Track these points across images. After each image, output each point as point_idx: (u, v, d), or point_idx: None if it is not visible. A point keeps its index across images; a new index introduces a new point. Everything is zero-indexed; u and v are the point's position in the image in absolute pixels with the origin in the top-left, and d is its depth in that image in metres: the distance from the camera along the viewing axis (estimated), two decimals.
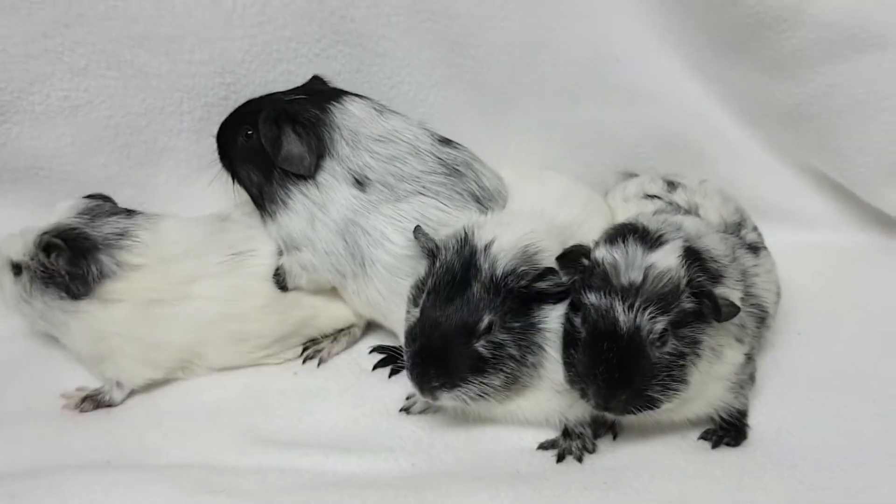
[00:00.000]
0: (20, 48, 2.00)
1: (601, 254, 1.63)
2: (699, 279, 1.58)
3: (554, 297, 1.69)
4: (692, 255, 1.62)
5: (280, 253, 1.98)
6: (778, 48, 2.14)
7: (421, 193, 1.87)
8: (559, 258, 1.69)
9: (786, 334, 2.07)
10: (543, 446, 1.77)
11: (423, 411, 1.87)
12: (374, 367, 2.02)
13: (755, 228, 2.06)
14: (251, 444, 1.73)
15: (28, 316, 1.90)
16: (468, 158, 1.95)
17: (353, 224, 1.87)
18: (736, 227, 2.00)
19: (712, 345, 1.63)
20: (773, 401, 1.86)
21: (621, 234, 1.66)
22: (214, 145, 2.02)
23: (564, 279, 1.67)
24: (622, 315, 1.55)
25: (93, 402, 1.90)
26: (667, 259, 1.59)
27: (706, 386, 1.67)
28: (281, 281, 1.99)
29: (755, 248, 1.96)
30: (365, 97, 1.96)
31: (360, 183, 1.86)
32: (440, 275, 1.69)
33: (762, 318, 1.85)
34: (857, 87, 2.14)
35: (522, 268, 1.66)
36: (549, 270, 1.66)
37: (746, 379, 1.78)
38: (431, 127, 1.99)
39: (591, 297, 1.59)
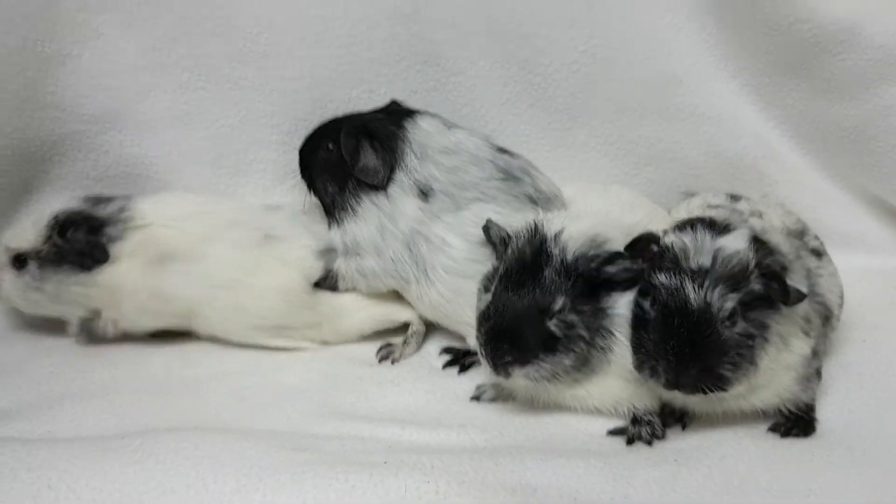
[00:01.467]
0: (132, 60, 2.22)
1: (670, 239, 1.71)
2: (767, 261, 1.65)
3: (622, 285, 1.77)
4: (759, 243, 1.70)
5: (323, 256, 2.11)
6: (834, 70, 2.25)
7: (480, 200, 1.99)
8: (628, 246, 1.77)
9: (851, 342, 2.11)
10: (613, 432, 1.82)
11: (493, 399, 1.94)
12: (445, 367, 2.11)
13: (817, 237, 2.13)
14: (330, 417, 1.81)
15: (35, 303, 2.09)
16: (524, 164, 2.07)
17: (417, 234, 2.01)
18: (798, 234, 2.07)
19: (780, 332, 1.68)
20: (839, 398, 1.89)
21: (690, 223, 1.74)
22: (297, 158, 2.20)
23: (633, 266, 1.76)
24: (692, 293, 1.62)
25: (86, 331, 2.11)
26: (736, 243, 1.67)
27: (775, 374, 1.71)
28: (332, 283, 2.13)
29: (818, 253, 2.03)
30: (435, 114, 2.12)
31: (424, 194, 2.00)
32: (512, 261, 1.78)
33: (827, 317, 1.90)
34: None
35: (592, 252, 1.76)
36: (618, 254, 1.74)
37: (813, 373, 1.82)
38: (493, 139, 2.13)
39: (661, 278, 1.66)
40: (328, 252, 2.11)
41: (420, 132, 2.04)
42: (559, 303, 1.72)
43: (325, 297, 2.12)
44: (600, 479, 1.58)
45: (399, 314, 2.17)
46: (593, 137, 2.40)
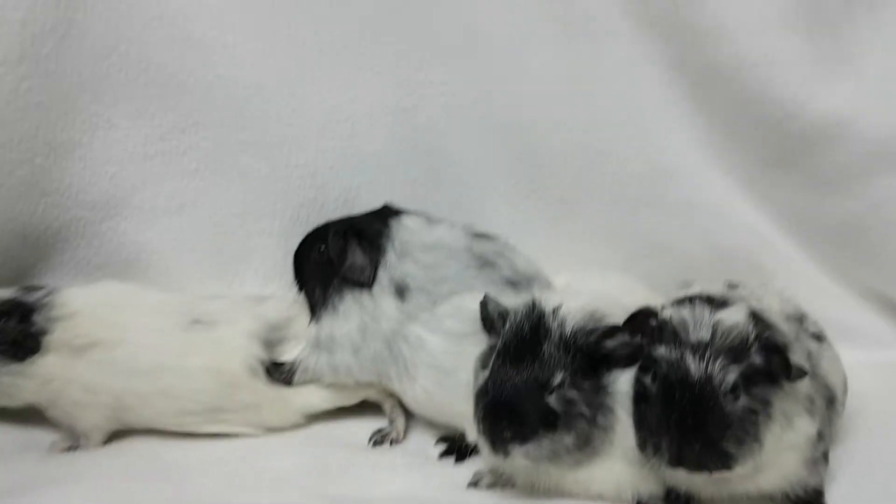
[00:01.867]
0: (139, 148, 2.28)
1: (669, 313, 1.70)
2: (767, 334, 1.64)
3: (623, 361, 1.74)
4: (758, 317, 1.69)
5: (263, 339, 2.10)
6: (826, 164, 2.31)
7: (455, 292, 2.01)
8: (626, 321, 1.76)
9: (858, 432, 2.06)
10: None
11: (492, 485, 1.87)
12: (441, 457, 2.05)
13: (816, 324, 2.11)
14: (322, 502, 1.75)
15: None
16: (500, 248, 2.10)
17: (397, 333, 2.03)
18: (797, 318, 2.05)
19: (783, 409, 1.64)
20: (849, 486, 1.83)
21: (687, 299, 1.75)
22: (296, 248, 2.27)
23: (633, 340, 1.74)
24: (693, 365, 1.60)
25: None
26: (734, 316, 1.66)
27: (779, 455, 1.66)
28: (287, 376, 2.11)
29: (818, 337, 2.01)
30: (420, 213, 2.17)
31: (400, 292, 2.03)
32: (509, 336, 1.76)
33: (831, 400, 1.87)
34: None
35: (591, 325, 1.74)
36: (617, 328, 1.73)
37: (820, 457, 1.77)
38: (475, 226, 2.16)
39: (661, 351, 1.65)
40: (270, 333, 2.12)
41: (403, 230, 2.09)
42: (558, 377, 1.69)
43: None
44: None
45: (355, 392, 2.14)
46: (590, 227, 2.44)
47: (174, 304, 2.13)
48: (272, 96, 2.31)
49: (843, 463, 1.90)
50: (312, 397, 2.10)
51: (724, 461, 1.56)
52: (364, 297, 2.05)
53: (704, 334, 1.63)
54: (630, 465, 1.75)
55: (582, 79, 2.37)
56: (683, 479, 1.71)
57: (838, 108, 2.25)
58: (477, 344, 1.90)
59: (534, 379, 1.69)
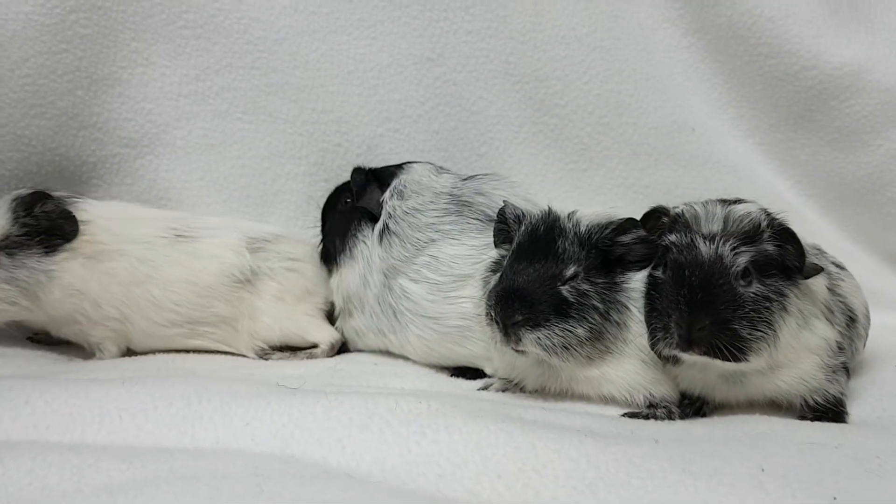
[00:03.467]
0: (175, 87, 2.37)
1: (682, 209, 1.71)
2: (780, 220, 1.64)
3: (638, 261, 1.75)
4: (772, 214, 1.70)
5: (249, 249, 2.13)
6: (842, 117, 2.34)
7: (433, 240, 2.02)
8: (641, 219, 1.77)
9: (883, 367, 2.02)
10: (628, 415, 1.71)
11: (502, 390, 1.85)
12: (452, 375, 2.04)
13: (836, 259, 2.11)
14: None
15: (6, 300, 2.01)
16: (481, 185, 2.09)
17: (384, 287, 2.06)
18: (817, 249, 2.05)
19: (800, 307, 1.63)
20: (871, 403, 1.79)
21: (701, 201, 1.76)
22: (321, 192, 2.37)
23: (649, 237, 1.74)
24: (703, 246, 1.60)
25: None
26: (747, 207, 1.67)
27: (797, 355, 1.64)
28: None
29: (838, 266, 2.00)
30: (432, 163, 2.20)
31: (380, 235, 2.07)
32: (524, 236, 1.78)
33: (852, 319, 1.85)
34: None
35: (605, 221, 1.75)
36: (632, 221, 1.74)
37: (840, 367, 1.73)
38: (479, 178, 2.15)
39: (672, 237, 1.66)
40: (252, 245, 2.15)
41: (410, 173, 2.14)
42: (571, 270, 1.70)
43: (244, 293, 2.12)
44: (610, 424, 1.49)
45: (309, 334, 2.18)
46: (609, 180, 2.47)
47: (168, 219, 2.17)
48: (302, 41, 2.40)
49: (867, 387, 1.87)
50: (273, 323, 2.13)
51: (737, 343, 1.54)
52: (367, 243, 2.10)
53: (716, 226, 1.64)
54: (644, 366, 1.74)
55: (602, 36, 2.45)
56: (697, 378, 1.70)
57: (853, 59, 2.30)
58: (456, 290, 1.95)
59: (547, 270, 1.70)
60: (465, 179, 2.12)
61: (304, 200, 2.45)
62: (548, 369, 1.77)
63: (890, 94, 2.30)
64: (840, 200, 2.45)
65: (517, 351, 1.71)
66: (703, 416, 1.73)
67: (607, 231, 1.74)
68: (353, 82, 2.43)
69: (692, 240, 1.63)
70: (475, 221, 2.03)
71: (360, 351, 2.19)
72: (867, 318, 1.96)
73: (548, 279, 1.70)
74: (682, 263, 1.62)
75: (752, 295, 1.58)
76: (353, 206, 2.17)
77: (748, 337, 1.56)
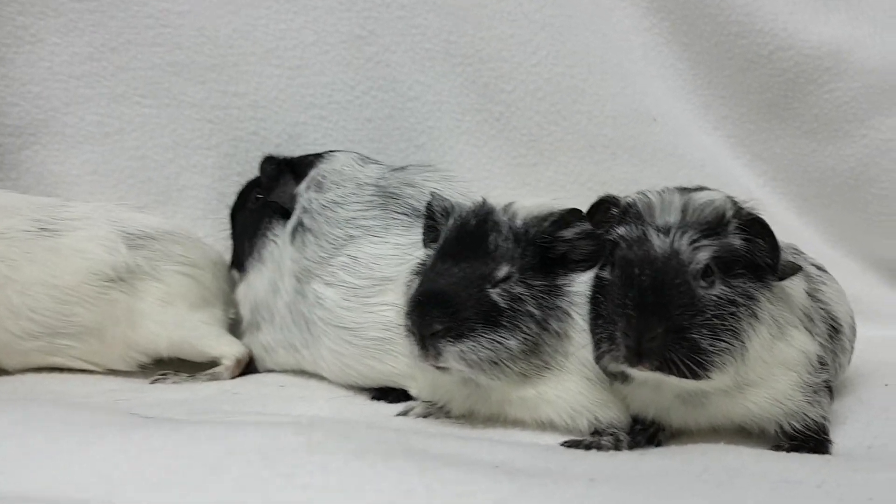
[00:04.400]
0: (65, 67, 2.06)
1: (634, 198, 1.44)
2: (748, 210, 1.37)
3: (583, 260, 1.47)
4: (745, 206, 1.42)
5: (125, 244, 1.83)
6: (822, 103, 2.09)
7: (353, 238, 1.74)
8: (588, 213, 1.50)
9: (871, 385, 1.76)
10: (568, 444, 1.42)
11: (424, 416, 1.57)
12: (373, 398, 1.74)
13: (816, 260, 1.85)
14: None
15: None
16: (412, 176, 1.82)
17: (297, 293, 1.78)
18: (795, 250, 1.79)
19: (774, 314, 1.36)
20: (860, 429, 1.51)
21: (656, 189, 1.49)
22: (233, 188, 2.06)
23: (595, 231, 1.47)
24: (657, 240, 1.33)
25: None
26: (710, 195, 1.41)
27: (770, 371, 1.36)
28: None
29: (820, 268, 1.75)
30: (358, 153, 1.93)
31: (294, 233, 1.79)
32: (451, 232, 1.50)
33: (835, 330, 1.58)
34: None
35: (545, 213, 1.48)
36: (575, 214, 1.46)
37: (822, 386, 1.45)
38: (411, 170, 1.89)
39: (621, 230, 1.39)
40: (135, 240, 1.85)
41: (330, 163, 1.87)
42: (504, 270, 1.42)
43: (116, 294, 1.80)
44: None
45: (208, 346, 1.87)
46: (562, 175, 2.19)
47: (34, 208, 1.85)
48: (211, 15, 2.11)
49: (855, 410, 1.60)
50: (162, 331, 1.82)
51: (695, 357, 1.26)
52: (278, 243, 1.83)
53: (673, 217, 1.37)
54: (589, 385, 1.46)
55: (553, 13, 2.18)
56: (650, 399, 1.42)
57: (832, 38, 2.04)
58: (377, 295, 1.68)
59: (475, 270, 1.42)
60: (395, 170, 1.84)
61: (213, 197, 2.15)
62: (476, 389, 1.47)
63: (874, 76, 2.04)
64: (819, 198, 2.19)
65: (438, 368, 1.42)
66: (658, 444, 1.44)
67: (546, 225, 1.46)
68: (272, 62, 2.14)
69: (644, 233, 1.35)
70: (401, 216, 1.75)
71: (270, 371, 1.89)
72: (853, 328, 1.70)
73: (475, 281, 1.40)
74: (631, 260, 1.34)
75: (714, 298, 1.29)
76: (265, 202, 1.88)
77: (709, 349, 1.27)
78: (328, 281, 1.71)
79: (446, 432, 1.39)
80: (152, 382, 1.81)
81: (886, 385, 1.73)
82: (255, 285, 1.84)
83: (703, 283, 1.31)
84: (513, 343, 1.40)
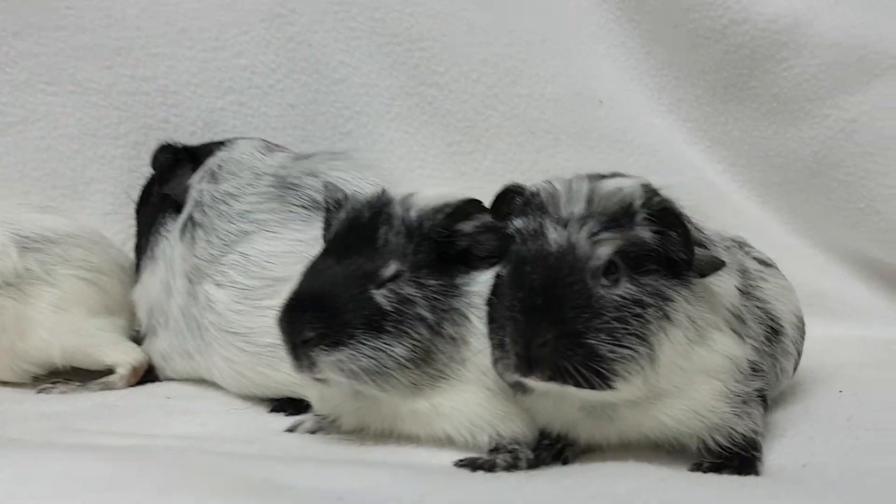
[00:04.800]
0: None
1: (539, 186, 1.28)
2: (659, 199, 1.20)
3: (485, 257, 1.31)
4: (655, 191, 1.26)
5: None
6: (781, 82, 1.91)
7: (246, 234, 1.59)
8: (492, 205, 1.33)
9: (823, 393, 1.58)
10: (461, 464, 1.26)
11: (313, 431, 1.41)
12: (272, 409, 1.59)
13: (763, 254, 1.68)
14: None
15: None
16: (316, 164, 1.66)
17: (189, 294, 1.64)
18: (738, 243, 1.62)
19: (692, 315, 1.18)
20: (801, 441, 1.34)
21: (567, 176, 1.33)
22: (144, 181, 1.91)
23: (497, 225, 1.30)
24: (553, 232, 1.17)
25: None
26: (620, 182, 1.24)
27: (689, 379, 1.19)
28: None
29: (764, 262, 1.58)
30: (264, 140, 1.79)
31: (184, 229, 1.65)
32: (342, 225, 1.34)
33: (774, 331, 1.41)
34: (883, 118, 1.85)
35: (441, 204, 1.32)
36: (475, 205, 1.30)
37: (753, 396, 1.28)
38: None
39: (519, 223, 1.22)
40: (29, 243, 1.70)
41: (231, 150, 1.72)
42: (391, 268, 1.26)
43: (4, 301, 1.66)
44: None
45: (102, 354, 1.73)
46: (500, 164, 2.03)
47: None
48: None
49: (798, 421, 1.42)
50: (53, 339, 1.67)
51: (593, 365, 1.10)
52: (169, 239, 1.69)
53: (578, 207, 1.21)
54: (489, 396, 1.29)
55: None
56: (553, 411, 1.26)
57: (789, 10, 1.87)
58: (270, 297, 1.51)
59: (358, 269, 1.26)
60: (300, 158, 1.68)
61: (122, 191, 1.99)
62: (366, 402, 1.31)
63: (835, 51, 1.86)
64: (781, 185, 2.01)
65: (317, 379, 1.28)
66: (565, 462, 1.29)
67: (440, 217, 1.29)
68: (184, 43, 1.99)
69: (541, 225, 1.19)
70: (299, 209, 1.59)
71: (171, 380, 1.73)
72: (799, 329, 1.53)
73: (357, 281, 1.24)
74: (523, 257, 1.18)
75: (617, 299, 1.13)
76: (161, 195, 1.74)
77: (610, 356, 1.11)
78: (219, 281, 1.56)
79: (312, 455, 1.23)
80: (38, 392, 1.67)
81: (840, 392, 1.56)
82: (149, 286, 1.70)
83: (604, 282, 1.15)
84: (399, 350, 1.23)
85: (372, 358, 1.22)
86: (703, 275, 1.20)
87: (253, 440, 1.33)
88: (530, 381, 1.17)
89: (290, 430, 1.43)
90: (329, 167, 1.62)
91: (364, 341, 1.22)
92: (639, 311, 1.16)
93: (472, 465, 1.26)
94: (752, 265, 1.51)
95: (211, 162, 1.65)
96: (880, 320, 1.96)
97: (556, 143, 2.00)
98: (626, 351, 1.13)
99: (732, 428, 1.26)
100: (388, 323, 1.24)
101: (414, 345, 1.25)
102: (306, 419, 1.44)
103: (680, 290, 1.20)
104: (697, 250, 1.21)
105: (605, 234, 1.16)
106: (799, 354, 1.56)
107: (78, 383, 1.71)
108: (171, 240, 1.65)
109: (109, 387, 1.71)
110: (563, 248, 1.16)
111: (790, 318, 1.50)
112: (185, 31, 1.98)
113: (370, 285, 1.25)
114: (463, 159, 2.02)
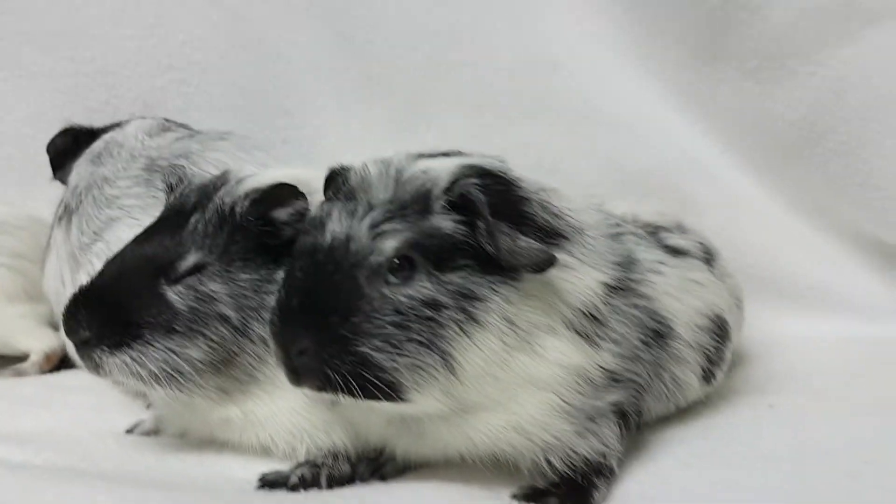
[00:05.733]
0: None
1: (356, 168, 1.11)
2: (464, 183, 1.01)
3: None
4: (489, 177, 1.06)
5: None
6: (757, 35, 1.61)
7: (113, 220, 1.49)
8: (325, 185, 1.18)
9: (750, 406, 1.33)
10: (265, 481, 1.13)
11: (149, 433, 1.32)
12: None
13: (703, 245, 1.42)
14: None
15: None
16: (191, 144, 1.54)
17: (73, 284, 1.52)
18: (656, 228, 1.38)
19: (512, 315, 1.00)
20: (670, 467, 1.11)
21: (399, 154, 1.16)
22: None
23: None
24: (334, 223, 1.01)
25: None
26: (432, 164, 1.06)
27: (510, 391, 1.01)
28: None
29: (677, 251, 1.34)
30: (165, 119, 1.72)
31: (62, 214, 1.58)
32: (165, 209, 1.24)
33: (659, 334, 1.18)
34: (876, 74, 1.52)
35: (252, 189, 1.18)
36: (289, 190, 1.15)
37: (605, 410, 1.08)
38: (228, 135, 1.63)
39: (315, 211, 1.08)
40: None
41: (120, 131, 1.64)
42: (191, 260, 1.13)
43: None
44: None
45: (17, 340, 1.70)
46: (446, 139, 1.80)
47: None
48: None
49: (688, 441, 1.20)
50: None
51: (366, 374, 0.95)
52: (56, 226, 1.63)
53: (381, 194, 1.04)
54: (307, 404, 1.15)
55: None
56: (364, 423, 1.12)
57: None
58: None
59: (153, 261, 1.14)
60: (183, 138, 1.58)
61: None
62: (185, 407, 1.21)
63: None
64: (776, 159, 1.71)
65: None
66: (383, 478, 1.14)
67: (248, 203, 1.15)
68: (122, 23, 1.93)
69: (328, 214, 1.04)
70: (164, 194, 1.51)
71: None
72: (711, 331, 1.27)
73: (148, 275, 1.13)
74: (298, 251, 1.03)
75: (403, 300, 0.97)
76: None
77: (388, 364, 0.96)
78: (89, 271, 1.47)
79: (110, 464, 1.15)
80: None
81: (770, 406, 1.29)
82: (48, 275, 1.64)
83: (392, 280, 0.99)
84: (194, 352, 1.11)
85: (162, 361, 1.12)
86: (537, 270, 1.01)
87: (79, 441, 1.26)
88: (307, 392, 1.03)
89: (129, 430, 1.35)
90: (205, 147, 1.51)
91: (152, 342, 1.10)
92: (429, 313, 0.99)
93: (267, 481, 1.15)
94: (651, 255, 1.27)
95: (97, 144, 1.59)
96: (884, 316, 1.63)
97: (507, 118, 1.79)
98: (406, 360, 0.97)
99: (572, 448, 1.07)
100: (180, 322, 1.11)
101: (211, 346, 1.12)
102: (146, 420, 1.35)
103: (498, 288, 1.02)
104: (523, 242, 1.02)
105: (389, 226, 1.00)
106: (714, 361, 1.30)
107: None
108: (56, 227, 1.60)
109: (21, 373, 1.70)
110: (339, 241, 1.00)
111: (689, 319, 1.25)
112: (121, 10, 1.92)
113: (162, 279, 1.13)
114: (406, 136, 1.84)
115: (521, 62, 1.79)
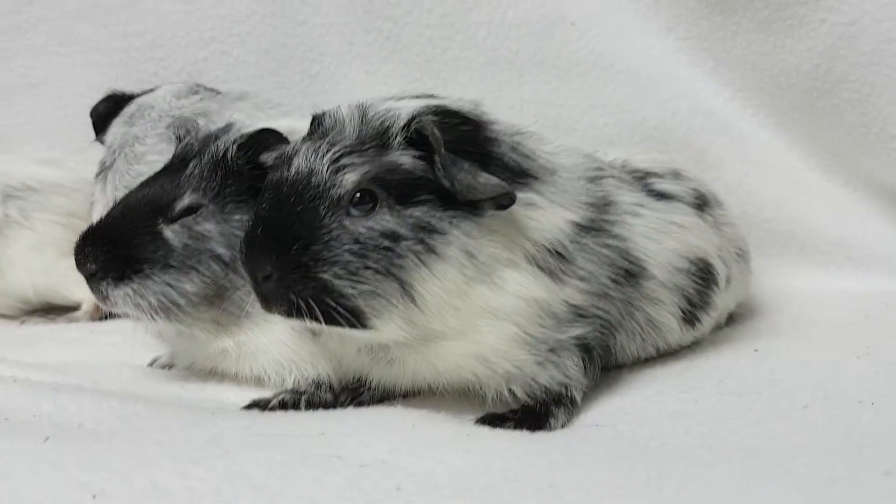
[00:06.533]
0: None
1: (332, 110, 1.18)
2: (420, 121, 1.05)
3: None
4: (452, 116, 1.11)
5: None
6: None
7: (140, 175, 1.60)
8: (309, 131, 1.24)
9: (737, 351, 1.33)
10: (252, 404, 1.22)
11: (167, 366, 1.44)
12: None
13: (696, 192, 1.42)
14: None
15: None
16: (210, 104, 1.67)
17: None
18: (645, 174, 1.39)
19: (472, 248, 1.05)
20: (633, 401, 1.14)
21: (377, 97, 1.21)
22: None
23: None
24: (300, 159, 1.08)
25: None
26: (397, 104, 1.12)
27: (471, 321, 1.06)
28: None
29: (663, 196, 1.34)
30: (197, 84, 1.84)
31: (101, 170, 1.72)
32: (171, 159, 1.34)
33: (630, 274, 1.21)
34: (887, 18, 1.47)
35: (239, 135, 1.26)
36: (274, 135, 1.24)
37: (567, 342, 1.12)
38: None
39: (286, 149, 1.15)
40: (12, 191, 1.84)
41: (152, 94, 1.77)
42: (186, 201, 1.24)
43: None
44: None
45: (70, 292, 1.84)
46: (465, 94, 1.84)
47: None
48: None
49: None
50: (26, 279, 1.83)
51: (327, 300, 1.01)
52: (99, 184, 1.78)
53: (348, 133, 1.10)
54: (296, 336, 1.25)
55: None
56: (340, 352, 1.19)
57: None
58: None
59: (153, 202, 1.25)
60: (206, 99, 1.70)
61: None
62: (188, 339, 1.31)
63: None
64: (792, 111, 1.67)
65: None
66: (360, 405, 1.21)
67: (236, 148, 1.24)
68: None
69: (296, 151, 1.11)
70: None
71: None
72: (690, 273, 1.27)
73: (148, 215, 1.23)
74: (265, 186, 1.11)
75: (362, 230, 1.03)
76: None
77: (349, 291, 1.02)
78: None
79: (118, 384, 1.28)
80: (21, 324, 1.86)
81: (756, 351, 1.29)
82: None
83: (354, 212, 1.05)
84: (188, 287, 1.21)
85: (160, 293, 1.22)
86: (503, 206, 1.05)
87: (99, 369, 1.38)
88: (283, 319, 1.11)
89: (150, 364, 1.48)
90: (223, 107, 1.62)
91: (151, 276, 1.22)
92: (387, 244, 1.05)
93: (252, 404, 1.23)
94: (630, 198, 1.29)
95: (131, 107, 1.72)
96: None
97: (519, 73, 1.81)
98: (364, 286, 1.04)
99: (533, 378, 1.13)
100: (175, 258, 1.22)
101: (204, 281, 1.22)
102: (164, 355, 1.47)
103: (459, 222, 1.07)
104: (483, 178, 1.06)
105: (348, 160, 1.06)
106: (696, 304, 1.30)
107: (53, 316, 1.89)
108: (96, 184, 1.74)
109: (74, 320, 1.86)
110: (302, 175, 1.08)
111: (666, 260, 1.26)
112: None
113: (160, 219, 1.24)
114: (423, 91, 1.90)
115: (534, 20, 1.81)
